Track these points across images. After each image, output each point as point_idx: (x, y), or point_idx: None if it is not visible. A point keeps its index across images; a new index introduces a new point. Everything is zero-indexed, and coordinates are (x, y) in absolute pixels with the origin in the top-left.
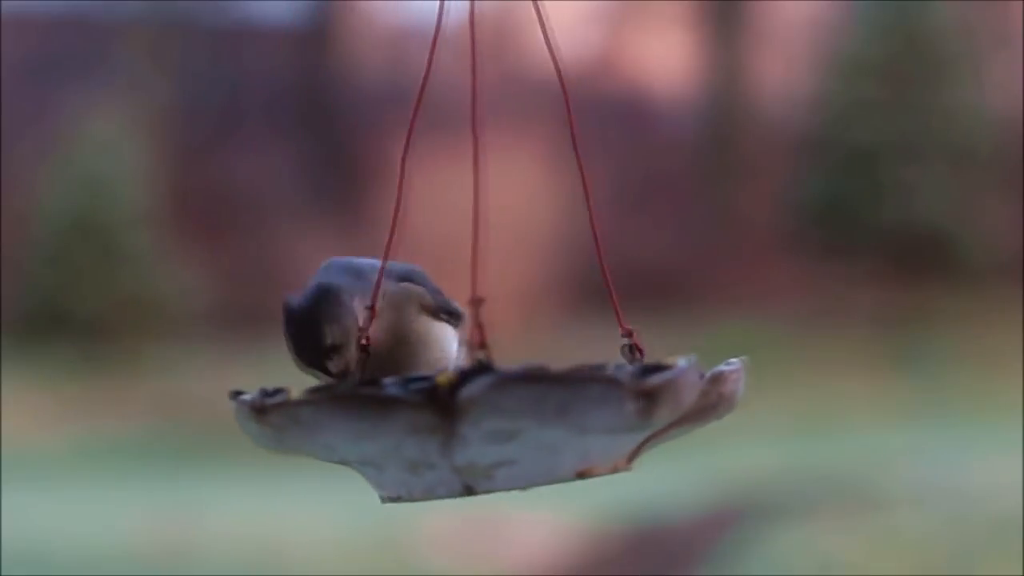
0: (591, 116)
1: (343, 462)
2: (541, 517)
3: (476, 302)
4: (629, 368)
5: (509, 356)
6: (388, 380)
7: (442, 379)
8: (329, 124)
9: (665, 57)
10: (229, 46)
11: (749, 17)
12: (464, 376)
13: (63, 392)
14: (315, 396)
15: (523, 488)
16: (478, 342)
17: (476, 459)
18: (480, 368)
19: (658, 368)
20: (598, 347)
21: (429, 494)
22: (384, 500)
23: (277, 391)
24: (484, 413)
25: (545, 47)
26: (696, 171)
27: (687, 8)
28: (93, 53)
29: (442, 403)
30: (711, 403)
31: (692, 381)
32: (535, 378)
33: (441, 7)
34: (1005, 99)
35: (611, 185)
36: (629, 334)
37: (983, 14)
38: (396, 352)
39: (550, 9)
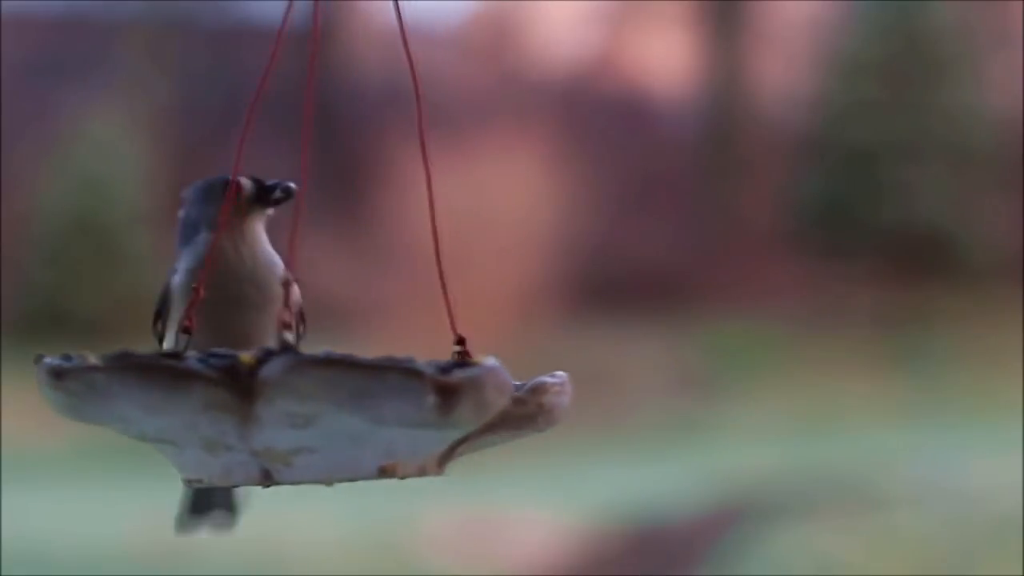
0: (591, 116)
1: (143, 438)
2: (541, 517)
3: (287, 283)
4: (438, 363)
5: (509, 356)
6: (192, 353)
7: (245, 357)
8: (329, 124)
9: (665, 57)
10: (229, 46)
11: (749, 17)
12: (267, 356)
13: None
14: (112, 363)
15: (326, 482)
16: (286, 323)
17: (273, 443)
18: (283, 349)
19: (464, 364)
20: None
21: (227, 478)
22: (186, 483)
23: (79, 356)
24: (281, 394)
25: (546, 47)
26: (696, 171)
27: (687, 8)
28: (93, 53)
29: (241, 381)
30: (530, 413)
31: (499, 382)
32: (333, 362)
33: (289, 7)
34: (1005, 99)
35: (611, 185)
36: (460, 341)
37: (983, 14)
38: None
39: (550, 9)
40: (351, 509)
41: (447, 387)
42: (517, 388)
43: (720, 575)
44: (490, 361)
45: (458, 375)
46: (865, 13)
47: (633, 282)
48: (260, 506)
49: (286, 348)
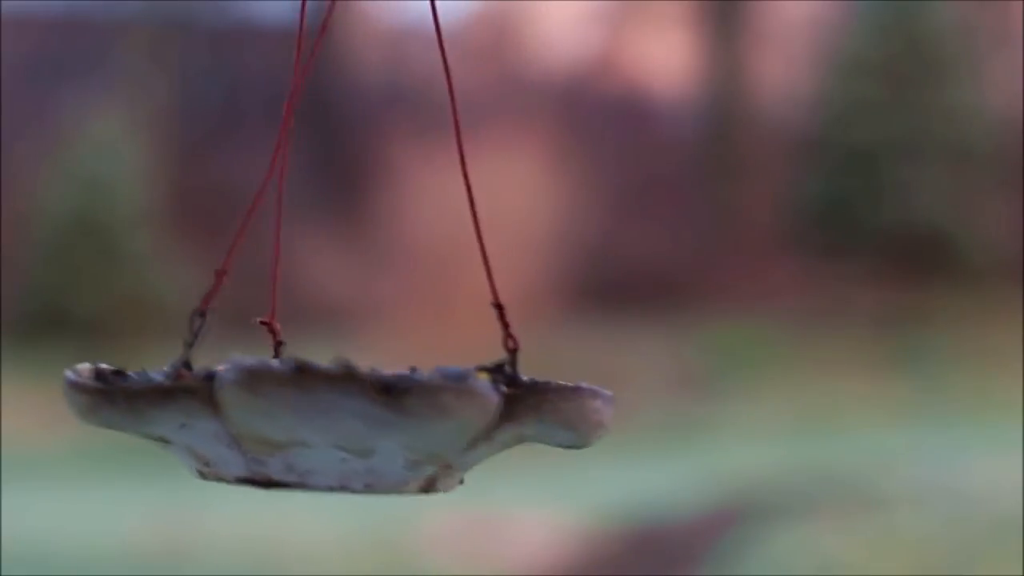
0: (591, 116)
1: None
2: (541, 517)
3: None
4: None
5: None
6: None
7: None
8: (329, 124)
9: (665, 57)
10: (229, 46)
11: (749, 17)
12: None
13: (63, 392)
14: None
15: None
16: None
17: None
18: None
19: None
20: (597, 346)
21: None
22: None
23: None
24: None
25: (546, 47)
26: (696, 171)
27: (687, 8)
28: (93, 53)
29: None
30: (529, 417)
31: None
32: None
33: None
34: (1005, 99)
35: (611, 185)
36: (499, 307)
37: (983, 14)
38: None
39: (550, 9)
40: (351, 509)
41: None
42: (508, 393)
43: (720, 575)
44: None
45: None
46: (865, 13)
47: (633, 282)
48: (260, 506)
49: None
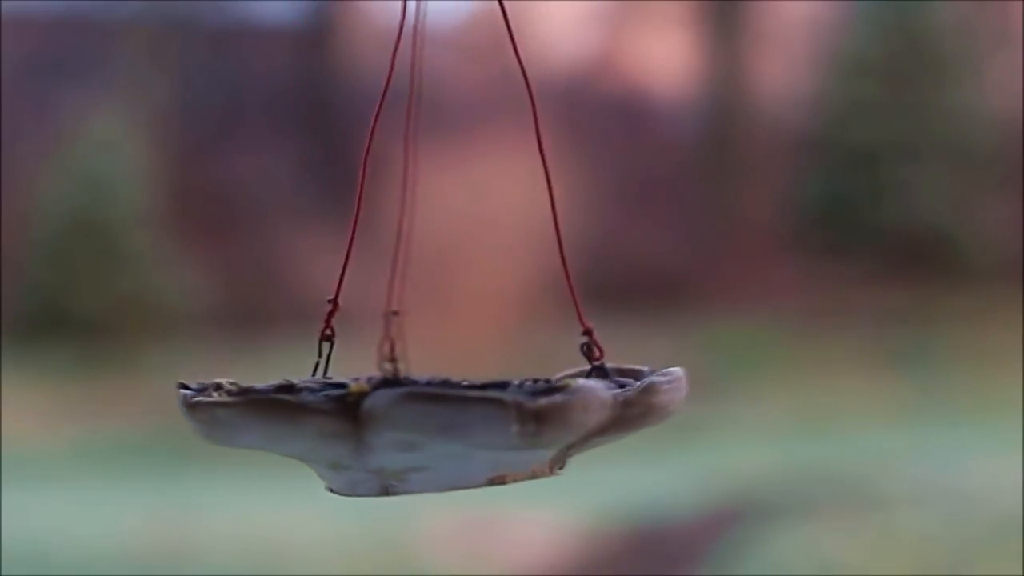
0: (591, 116)
1: (280, 454)
2: (541, 517)
3: (389, 315)
4: (530, 386)
5: (509, 356)
6: (311, 382)
7: (355, 387)
8: (329, 124)
9: (665, 57)
10: (229, 46)
11: (749, 17)
12: (374, 388)
13: (63, 392)
14: (232, 399)
15: (440, 491)
16: (388, 355)
17: (386, 464)
18: (389, 381)
19: (551, 390)
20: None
21: (352, 490)
22: (329, 490)
23: (218, 387)
24: (383, 426)
25: (546, 47)
26: (696, 171)
27: (687, 8)
28: (93, 53)
29: (350, 413)
30: (640, 414)
31: (587, 403)
32: (422, 396)
33: None
34: (1005, 99)
35: (611, 185)
36: (588, 332)
37: (983, 14)
38: None
39: (551, 9)
40: (351, 509)
41: (531, 415)
42: (622, 395)
43: (720, 575)
44: (578, 384)
45: (541, 403)
46: (865, 13)
47: (633, 282)
48: (260, 506)
49: (388, 379)
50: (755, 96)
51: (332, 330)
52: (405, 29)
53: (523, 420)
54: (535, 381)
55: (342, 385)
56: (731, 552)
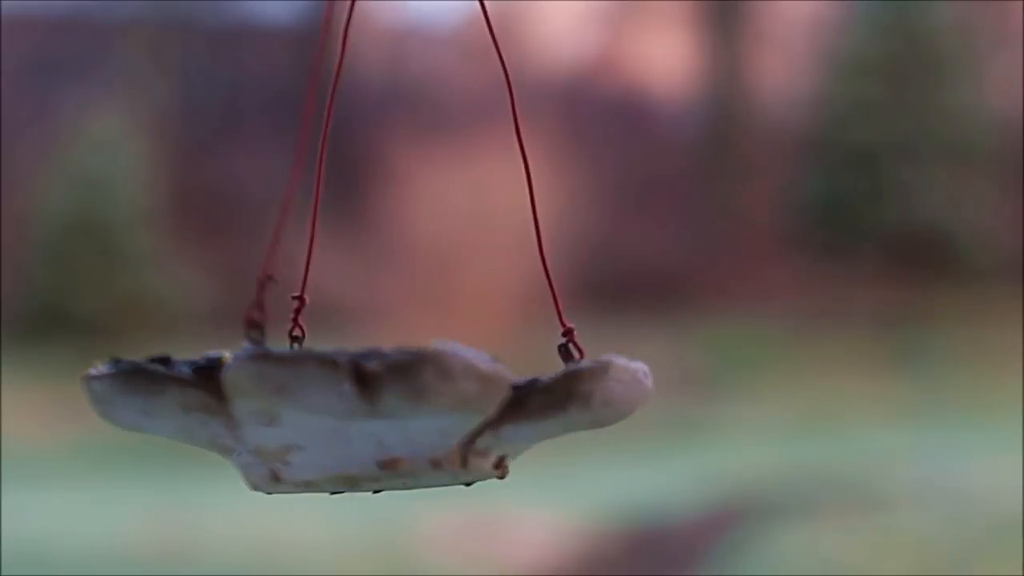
0: (591, 116)
1: (179, 439)
2: (541, 517)
3: (264, 279)
4: (380, 352)
5: (509, 356)
6: (178, 359)
7: (225, 358)
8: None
9: (665, 57)
10: (229, 46)
11: (749, 17)
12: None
13: (63, 392)
14: (105, 371)
15: (328, 476)
16: (252, 320)
17: (260, 442)
18: (248, 349)
19: (401, 352)
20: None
21: (247, 479)
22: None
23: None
24: (237, 393)
25: (546, 47)
26: (696, 171)
27: (687, 8)
28: (93, 53)
29: (214, 383)
30: (557, 401)
31: (447, 368)
32: (260, 357)
33: None
34: (1005, 99)
35: (611, 185)
36: (568, 333)
37: (983, 14)
38: None
39: (551, 9)
40: (351, 509)
41: (365, 375)
42: (505, 371)
43: (720, 575)
44: (435, 346)
45: (377, 363)
46: (865, 13)
47: (633, 282)
48: (260, 506)
49: (254, 346)
50: (755, 96)
51: (301, 329)
52: (406, 29)
53: (357, 380)
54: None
55: (212, 358)
56: (731, 552)
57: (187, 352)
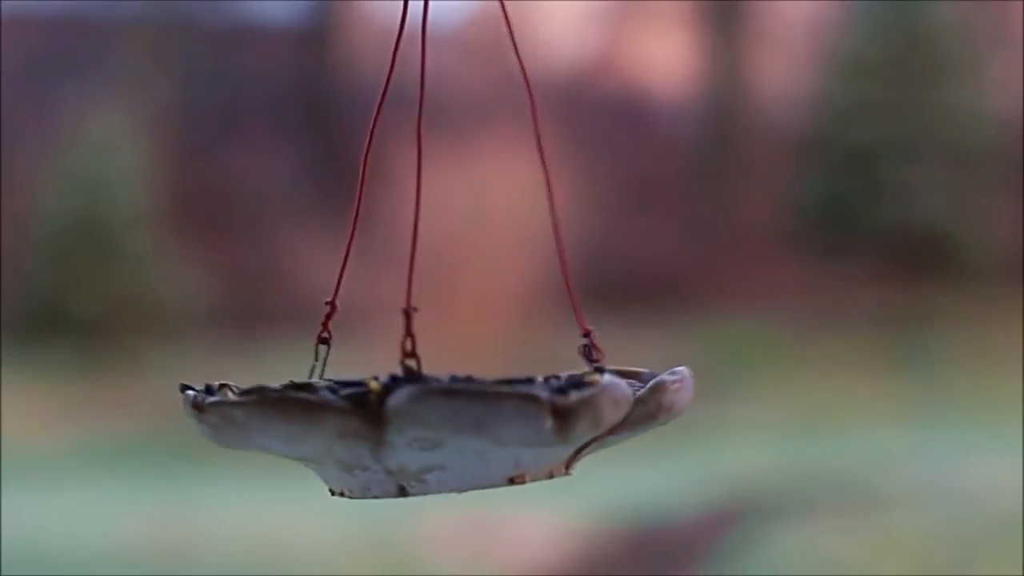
0: (591, 116)
1: (286, 457)
2: (541, 517)
3: (409, 311)
4: (555, 382)
5: (509, 356)
6: (323, 382)
7: (374, 385)
8: (329, 124)
9: (665, 57)
10: (229, 46)
11: (749, 17)
12: (392, 385)
13: (63, 392)
14: (247, 398)
15: (458, 491)
16: (409, 351)
17: (406, 463)
18: (408, 378)
19: (580, 384)
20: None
21: (366, 492)
22: (332, 493)
23: (221, 388)
24: (407, 422)
25: (546, 47)
26: (696, 171)
27: (687, 8)
28: (93, 53)
29: (371, 411)
30: (650, 412)
31: (615, 398)
32: (453, 392)
33: None
34: (1005, 99)
35: (611, 185)
36: (587, 334)
37: (983, 14)
38: None
39: (551, 9)
40: (351, 509)
41: (564, 410)
42: (636, 392)
43: (720, 575)
44: (606, 379)
45: (574, 397)
46: (865, 13)
47: (633, 282)
48: (260, 506)
49: (410, 376)
50: (755, 96)
51: (329, 333)
52: (406, 30)
53: (557, 415)
54: (556, 378)
55: (352, 384)
56: (731, 552)
57: (187, 352)
